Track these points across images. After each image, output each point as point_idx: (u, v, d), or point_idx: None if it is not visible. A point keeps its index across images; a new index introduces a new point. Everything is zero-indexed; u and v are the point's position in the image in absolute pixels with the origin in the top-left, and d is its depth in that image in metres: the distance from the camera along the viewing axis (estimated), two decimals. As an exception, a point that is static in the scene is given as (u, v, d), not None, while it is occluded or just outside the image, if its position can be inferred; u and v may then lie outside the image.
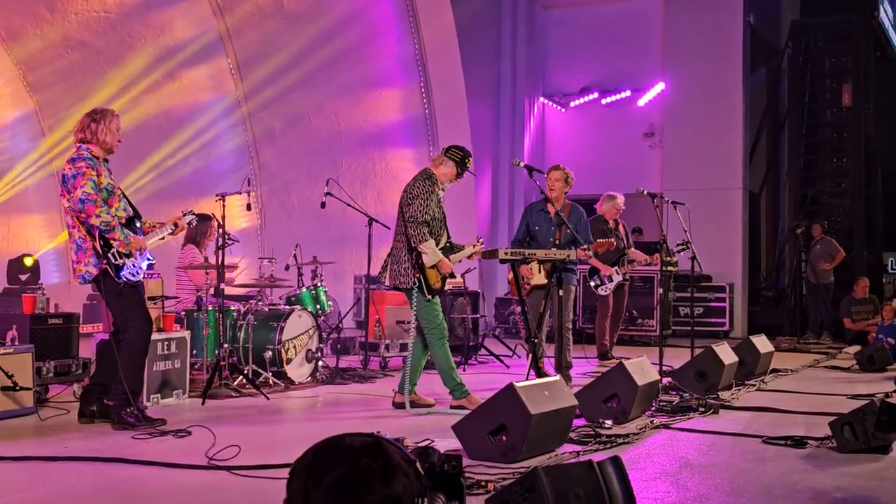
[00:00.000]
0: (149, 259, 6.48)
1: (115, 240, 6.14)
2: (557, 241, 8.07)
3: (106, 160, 6.40)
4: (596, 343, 10.72)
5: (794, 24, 17.93)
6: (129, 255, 6.22)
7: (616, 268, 10.52)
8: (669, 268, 9.81)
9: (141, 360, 6.37)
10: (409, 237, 7.01)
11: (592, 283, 10.69)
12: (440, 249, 7.14)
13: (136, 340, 6.25)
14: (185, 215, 7.05)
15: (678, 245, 9.37)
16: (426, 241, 6.97)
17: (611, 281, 10.54)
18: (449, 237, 7.38)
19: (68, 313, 7.70)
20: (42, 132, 14.17)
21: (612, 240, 8.77)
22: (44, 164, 14.24)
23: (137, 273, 6.29)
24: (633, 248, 10.81)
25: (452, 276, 7.34)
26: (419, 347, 7.23)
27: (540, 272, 8.38)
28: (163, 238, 6.75)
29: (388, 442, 2.12)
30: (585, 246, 7.90)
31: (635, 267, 10.77)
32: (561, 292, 7.91)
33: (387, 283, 7.30)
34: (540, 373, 7.24)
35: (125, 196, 6.48)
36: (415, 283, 7.00)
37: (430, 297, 7.05)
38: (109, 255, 6.11)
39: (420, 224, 6.97)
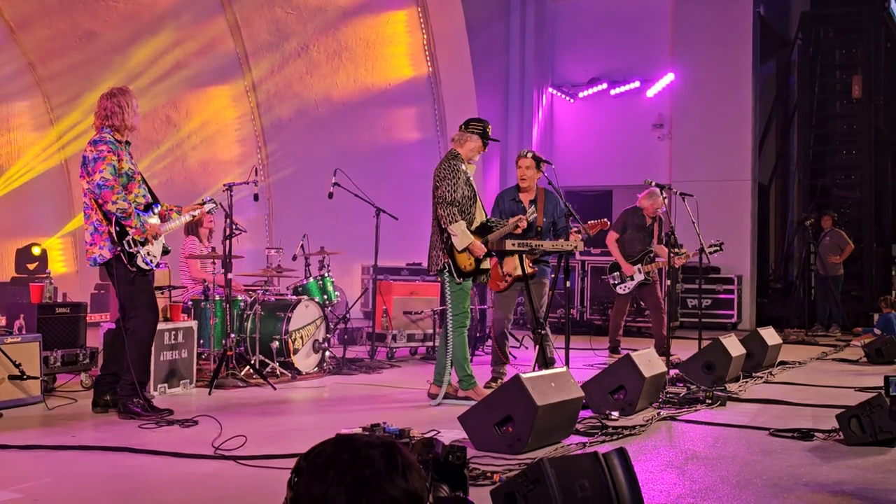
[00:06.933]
0: (164, 246, 6.48)
1: (131, 227, 6.13)
2: (538, 228, 7.92)
3: (128, 143, 6.39)
4: (609, 336, 10.59)
5: (805, 16, 17.84)
6: (144, 243, 6.22)
7: (639, 266, 10.15)
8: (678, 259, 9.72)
9: (147, 350, 6.36)
10: (440, 218, 6.96)
11: (612, 280, 10.35)
12: (476, 229, 7.05)
13: (141, 332, 6.25)
14: (204, 203, 7.06)
15: (711, 246, 9.33)
16: (456, 222, 6.87)
17: (632, 280, 10.19)
18: (486, 215, 7.30)
19: (76, 303, 7.71)
20: (50, 121, 14.19)
21: (606, 220, 8.53)
22: (52, 153, 14.26)
23: (151, 262, 6.30)
24: (661, 245, 10.22)
25: (490, 255, 7.13)
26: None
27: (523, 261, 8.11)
28: (180, 224, 6.79)
29: (400, 443, 2.11)
30: (578, 228, 7.69)
31: (658, 266, 10.23)
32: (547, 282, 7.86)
33: (429, 270, 7.20)
34: (546, 364, 7.21)
35: (145, 181, 6.48)
36: (445, 266, 6.96)
37: (459, 280, 6.95)
38: (124, 241, 6.11)
39: (449, 205, 6.89)
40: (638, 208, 10.30)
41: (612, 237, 10.21)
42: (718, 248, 9.56)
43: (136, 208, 6.21)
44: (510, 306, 8.10)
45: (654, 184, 8.80)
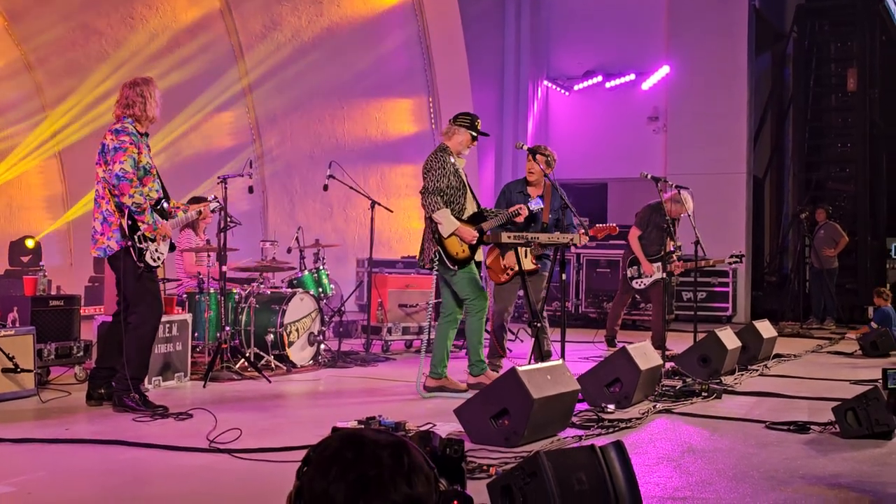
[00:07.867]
0: (172, 243, 6.46)
1: (143, 223, 6.08)
2: (544, 224, 7.93)
3: (146, 134, 6.34)
4: (607, 326, 10.50)
5: (800, 8, 17.83)
6: (153, 240, 6.17)
7: (658, 265, 9.88)
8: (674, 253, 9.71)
9: (146, 346, 6.28)
10: (424, 207, 6.96)
11: (629, 273, 10.13)
12: (468, 218, 7.06)
13: (143, 327, 6.18)
14: (210, 202, 7.05)
15: (732, 256, 9.32)
16: (439, 209, 6.89)
17: (649, 277, 9.98)
18: (479, 206, 7.28)
19: (70, 295, 7.69)
20: (43, 112, 14.13)
21: (615, 225, 8.55)
22: (45, 144, 14.21)
23: (158, 259, 6.25)
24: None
25: (484, 243, 7.13)
26: (444, 329, 7.16)
27: (526, 256, 8.15)
28: (184, 221, 6.82)
29: (411, 443, 2.07)
30: (583, 230, 7.67)
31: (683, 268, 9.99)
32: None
33: (422, 263, 7.20)
34: (542, 357, 7.18)
35: (159, 176, 6.42)
36: (436, 255, 6.95)
37: (454, 266, 6.93)
38: (136, 236, 6.06)
39: (431, 193, 6.90)
40: (661, 206, 9.64)
41: (634, 233, 10.02)
42: (738, 259, 9.55)
43: (149, 204, 6.16)
44: (510, 299, 8.09)
45: (649, 176, 8.72)
